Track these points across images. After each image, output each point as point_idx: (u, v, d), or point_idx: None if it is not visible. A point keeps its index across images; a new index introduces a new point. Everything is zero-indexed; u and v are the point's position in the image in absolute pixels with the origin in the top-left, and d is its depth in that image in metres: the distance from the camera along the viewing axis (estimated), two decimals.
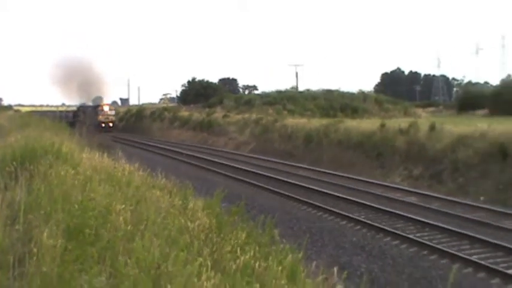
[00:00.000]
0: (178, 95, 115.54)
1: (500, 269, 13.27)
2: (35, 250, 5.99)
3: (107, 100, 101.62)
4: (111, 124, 78.78)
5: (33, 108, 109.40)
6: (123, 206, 8.18)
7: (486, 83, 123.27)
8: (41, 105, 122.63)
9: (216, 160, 38.35)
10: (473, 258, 14.21)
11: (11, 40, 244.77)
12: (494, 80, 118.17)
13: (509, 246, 14.98)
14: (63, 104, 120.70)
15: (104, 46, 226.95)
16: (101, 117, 78.61)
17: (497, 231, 16.91)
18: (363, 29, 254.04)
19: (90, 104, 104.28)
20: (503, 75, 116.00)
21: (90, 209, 7.80)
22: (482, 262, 13.83)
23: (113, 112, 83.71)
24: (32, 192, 9.08)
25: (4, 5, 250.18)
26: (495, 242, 15.45)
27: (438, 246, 15.26)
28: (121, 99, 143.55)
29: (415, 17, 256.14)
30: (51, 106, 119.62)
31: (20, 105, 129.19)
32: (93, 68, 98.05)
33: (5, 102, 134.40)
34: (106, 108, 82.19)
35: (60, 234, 6.42)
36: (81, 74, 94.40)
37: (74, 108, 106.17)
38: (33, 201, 8.36)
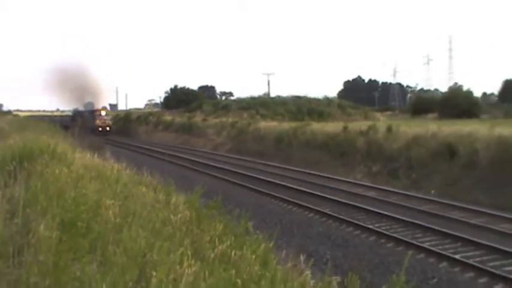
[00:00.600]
0: (162, 101, 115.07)
1: (448, 254, 13.43)
2: (32, 241, 5.99)
3: (98, 105, 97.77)
4: (108, 128, 73.52)
5: (31, 113, 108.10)
6: (112, 201, 8.16)
7: (436, 90, 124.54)
8: (38, 110, 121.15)
9: (196, 159, 38.25)
10: (425, 245, 14.33)
11: (7, 48, 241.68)
12: (443, 88, 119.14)
13: (456, 234, 15.16)
14: (58, 109, 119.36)
15: (93, 55, 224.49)
16: (98, 122, 73.05)
17: (446, 221, 17.08)
18: (328, 41, 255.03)
19: (82, 109, 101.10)
20: (451, 83, 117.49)
21: (82, 204, 7.77)
22: (433, 248, 13.97)
23: (109, 117, 78.77)
24: (30, 189, 9.03)
25: None
26: (444, 230, 15.61)
27: (394, 235, 15.39)
28: (110, 104, 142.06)
29: (374, 30, 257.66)
30: (47, 111, 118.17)
31: (18, 110, 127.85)
32: (86, 75, 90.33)
33: (5, 108, 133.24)
34: (103, 113, 76.68)
35: (56, 226, 6.40)
36: (74, 81, 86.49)
37: (70, 113, 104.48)
38: (31, 197, 8.33)
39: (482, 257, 13.38)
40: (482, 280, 11.91)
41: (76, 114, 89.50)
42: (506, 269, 12.36)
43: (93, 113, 76.82)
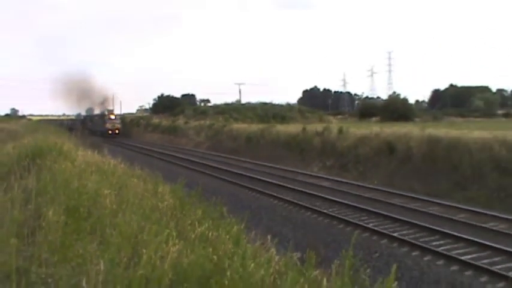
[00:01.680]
0: (151, 106, 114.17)
1: (388, 233, 13.61)
2: (43, 224, 5.98)
3: (99, 110, 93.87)
4: (117, 131, 67.18)
5: (41, 117, 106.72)
6: (109, 190, 8.11)
7: (378, 97, 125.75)
8: (47, 115, 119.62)
9: (179, 156, 38.07)
10: (370, 225, 14.49)
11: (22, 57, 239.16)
12: (384, 96, 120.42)
13: (395, 216, 15.36)
14: (64, 114, 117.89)
15: (93, 66, 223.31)
16: (108, 125, 67.12)
17: (387, 206, 17.27)
18: (289, 56, 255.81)
19: (83, 113, 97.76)
20: (390, 92, 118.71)
21: (84, 193, 7.76)
22: (376, 228, 14.13)
23: (119, 120, 71.50)
24: (41, 181, 9.01)
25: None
26: (385, 213, 15.80)
27: (344, 218, 15.50)
28: (108, 110, 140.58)
29: (329, 48, 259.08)
30: (54, 115, 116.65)
31: (31, 115, 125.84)
32: (91, 83, 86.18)
33: (20, 113, 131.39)
34: (113, 117, 70.22)
35: (62, 212, 6.39)
36: (80, 88, 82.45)
37: (74, 117, 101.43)
38: (42, 188, 8.31)
39: (416, 234, 13.60)
40: (415, 253, 12.11)
41: (86, 117, 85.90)
42: (434, 243, 12.63)
43: (103, 116, 71.72)
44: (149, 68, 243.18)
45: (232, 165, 31.49)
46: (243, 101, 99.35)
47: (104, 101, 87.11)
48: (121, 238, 5.39)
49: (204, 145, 47.71)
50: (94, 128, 70.52)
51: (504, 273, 10.17)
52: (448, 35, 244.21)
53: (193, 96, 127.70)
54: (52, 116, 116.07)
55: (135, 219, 6.27)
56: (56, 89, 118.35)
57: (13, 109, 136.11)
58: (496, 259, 11.32)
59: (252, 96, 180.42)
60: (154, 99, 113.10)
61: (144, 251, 4.67)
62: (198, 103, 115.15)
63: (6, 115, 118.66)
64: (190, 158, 36.43)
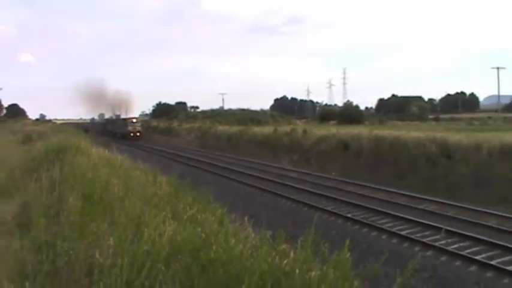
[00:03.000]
0: (151, 112, 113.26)
1: (343, 214, 13.77)
2: (65, 207, 6.04)
3: (107, 115, 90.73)
4: (138, 134, 59.76)
5: (64, 121, 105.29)
6: (117, 180, 8.09)
7: (335, 105, 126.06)
8: (68, 119, 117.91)
9: (173, 152, 37.84)
10: (328, 208, 14.63)
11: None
12: (340, 103, 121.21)
13: (348, 201, 15.55)
14: (81, 118, 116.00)
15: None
16: (130, 128, 59.84)
17: (342, 192, 17.45)
18: (263, 70, 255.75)
19: (96, 118, 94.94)
20: (345, 100, 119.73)
21: (97, 182, 7.75)
22: (334, 211, 14.29)
23: (139, 123, 63.60)
24: (63, 172, 9.07)
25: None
26: (341, 198, 15.96)
27: (308, 203, 15.62)
28: (116, 115, 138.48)
29: (295, 64, 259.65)
30: (73, 120, 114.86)
31: (55, 119, 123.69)
32: (104, 89, 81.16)
33: (47, 118, 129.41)
34: (134, 121, 62.82)
35: (80, 198, 6.44)
36: (93, 94, 76.21)
37: (89, 121, 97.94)
38: (63, 178, 8.36)
39: (365, 215, 13.78)
40: (364, 230, 12.28)
41: (107, 121, 78.12)
42: (379, 222, 12.83)
43: (125, 120, 64.23)
44: (148, 79, 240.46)
45: (217, 159, 31.44)
46: (226, 108, 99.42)
47: (120, 104, 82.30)
48: (127, 219, 5.38)
49: (194, 143, 47.50)
50: (115, 130, 64.07)
51: (432, 243, 10.44)
52: (389, 55, 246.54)
53: (185, 103, 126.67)
54: (72, 120, 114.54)
55: (138, 204, 6.25)
56: (75, 96, 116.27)
57: (41, 114, 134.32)
58: (426, 233, 11.55)
59: (233, 103, 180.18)
60: (153, 106, 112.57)
61: (146, 229, 4.67)
62: (189, 109, 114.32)
63: (36, 119, 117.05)
64: (183, 153, 36.25)
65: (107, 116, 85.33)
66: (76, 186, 7.27)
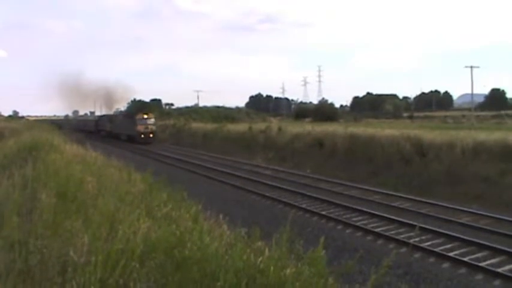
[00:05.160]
0: (126, 108, 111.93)
1: (318, 212, 13.91)
2: (38, 205, 6.01)
3: (82, 112, 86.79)
4: (151, 135, 44.42)
5: (37, 118, 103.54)
6: (91, 178, 8.06)
7: (310, 102, 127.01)
8: (41, 116, 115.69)
9: (147, 149, 37.47)
10: (303, 206, 14.74)
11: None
12: (315, 101, 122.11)
13: (323, 198, 15.67)
14: (54, 115, 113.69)
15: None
16: (140, 128, 43.93)
17: (317, 190, 17.59)
18: (238, 67, 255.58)
19: (70, 115, 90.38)
20: (320, 98, 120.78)
21: (71, 180, 7.77)
22: (308, 208, 14.40)
23: (153, 121, 46.41)
24: (36, 169, 9.08)
25: None
26: (315, 196, 16.10)
27: (283, 200, 15.70)
28: (90, 112, 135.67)
29: (270, 61, 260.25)
30: (46, 116, 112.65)
31: (29, 116, 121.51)
32: (82, 80, 71.95)
33: (20, 114, 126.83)
34: (146, 117, 45.70)
35: (53, 195, 6.41)
36: (71, 86, 66.83)
37: (77, 116, 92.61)
38: (36, 175, 8.38)
39: (340, 212, 13.95)
40: (339, 227, 12.44)
41: (101, 118, 61.93)
42: (354, 219, 13.01)
43: (132, 117, 47.46)
44: (123, 77, 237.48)
45: (191, 156, 31.26)
46: (201, 105, 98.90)
47: (108, 96, 71.23)
48: (101, 217, 5.38)
49: (169, 141, 46.94)
50: (116, 130, 50.13)
51: (406, 240, 10.63)
52: (364, 53, 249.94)
53: (159, 100, 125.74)
54: (45, 116, 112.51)
55: (112, 201, 6.25)
56: (49, 91, 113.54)
57: (14, 111, 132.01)
58: (400, 230, 11.79)
59: (208, 100, 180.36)
60: (128, 103, 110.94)
61: (120, 227, 4.68)
62: (163, 106, 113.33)
63: (9, 116, 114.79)
64: (157, 151, 35.85)
65: (71, 114, 79.60)
66: (49, 184, 7.26)
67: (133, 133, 44.38)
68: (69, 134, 30.51)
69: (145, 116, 45.60)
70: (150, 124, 44.98)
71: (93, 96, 76.36)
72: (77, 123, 72.24)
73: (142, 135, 43.59)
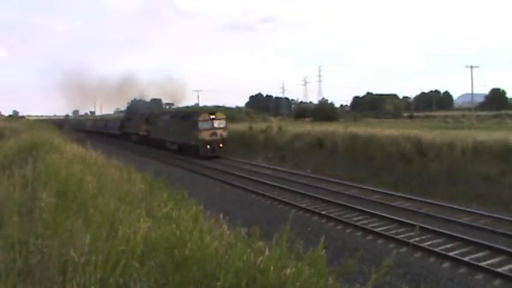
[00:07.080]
0: (126, 109, 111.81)
1: (318, 211, 13.93)
2: (38, 205, 5.98)
3: (82, 112, 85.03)
4: (221, 145, 30.88)
5: (37, 118, 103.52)
6: (91, 177, 8.04)
7: (310, 102, 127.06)
8: (41, 115, 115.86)
9: (147, 149, 37.31)
10: (303, 206, 14.75)
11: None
12: (315, 101, 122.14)
13: (323, 198, 15.69)
14: (54, 115, 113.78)
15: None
16: (204, 135, 30.32)
17: (317, 189, 17.60)
18: (239, 67, 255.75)
19: (71, 115, 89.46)
20: (320, 98, 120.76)
21: (71, 179, 7.75)
22: (308, 208, 14.42)
23: (224, 123, 31.99)
24: (36, 169, 9.09)
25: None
26: (315, 195, 16.11)
27: (283, 200, 15.73)
28: (90, 111, 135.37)
29: (271, 61, 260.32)
30: (46, 116, 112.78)
31: (29, 115, 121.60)
32: (86, 83, 70.02)
33: (20, 114, 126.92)
34: (212, 116, 31.70)
35: (53, 195, 6.40)
36: (75, 83, 66.22)
37: (72, 116, 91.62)
38: (37, 175, 8.38)
39: (340, 212, 13.96)
40: (339, 227, 12.45)
41: (130, 116, 49.91)
42: (354, 219, 13.03)
43: (189, 118, 33.46)
44: (123, 76, 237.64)
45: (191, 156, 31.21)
46: (201, 105, 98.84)
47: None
48: (101, 217, 5.36)
49: None
50: (160, 136, 37.42)
51: (406, 240, 10.63)
52: (365, 53, 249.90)
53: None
54: (45, 116, 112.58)
55: (112, 201, 6.23)
56: (50, 90, 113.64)
57: (15, 111, 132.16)
58: (400, 230, 11.78)
59: (208, 100, 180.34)
60: (128, 103, 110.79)
61: (120, 227, 4.67)
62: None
63: (9, 116, 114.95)
64: (158, 151, 35.80)
65: (71, 114, 77.63)
66: (50, 184, 7.25)
67: (192, 141, 31.24)
68: (68, 133, 30.30)
69: (212, 117, 31.85)
70: (219, 128, 31.40)
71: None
72: (92, 125, 63.77)
73: (208, 146, 30.45)
